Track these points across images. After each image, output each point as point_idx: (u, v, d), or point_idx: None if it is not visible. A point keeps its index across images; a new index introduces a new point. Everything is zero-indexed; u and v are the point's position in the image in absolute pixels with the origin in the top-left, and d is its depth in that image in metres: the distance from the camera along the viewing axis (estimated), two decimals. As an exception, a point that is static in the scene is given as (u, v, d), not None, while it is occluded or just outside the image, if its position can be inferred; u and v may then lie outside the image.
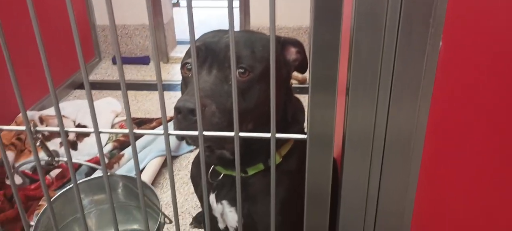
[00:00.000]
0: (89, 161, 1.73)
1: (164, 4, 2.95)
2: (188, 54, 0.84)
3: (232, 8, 0.44)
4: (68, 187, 1.22)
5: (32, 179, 1.64)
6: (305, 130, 0.52)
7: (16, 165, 1.69)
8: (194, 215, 1.56)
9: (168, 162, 0.55)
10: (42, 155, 0.66)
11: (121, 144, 1.88)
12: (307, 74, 0.87)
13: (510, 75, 0.50)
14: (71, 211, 1.20)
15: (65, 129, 0.54)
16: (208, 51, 0.77)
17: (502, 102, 0.52)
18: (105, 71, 2.90)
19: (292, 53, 0.84)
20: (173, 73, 2.88)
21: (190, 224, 1.53)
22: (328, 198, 0.55)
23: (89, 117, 2.20)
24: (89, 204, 1.24)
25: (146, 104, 2.42)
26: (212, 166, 0.90)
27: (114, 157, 1.79)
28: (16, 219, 1.44)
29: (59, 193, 1.17)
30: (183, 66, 0.83)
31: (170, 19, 3.11)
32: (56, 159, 0.65)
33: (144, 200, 0.60)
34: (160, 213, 1.03)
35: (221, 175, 0.90)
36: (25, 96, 0.52)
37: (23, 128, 0.56)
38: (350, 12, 0.45)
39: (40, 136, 0.57)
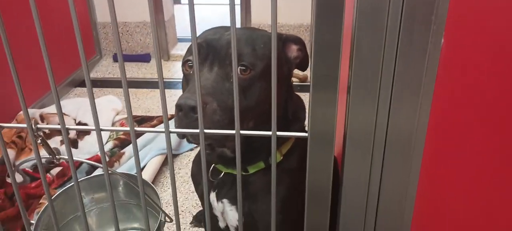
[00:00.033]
0: (89, 159, 1.73)
1: (165, 1, 2.95)
2: (189, 51, 0.83)
3: (234, 5, 0.44)
4: (69, 185, 1.22)
5: (32, 177, 1.64)
6: (306, 128, 0.52)
7: (17, 163, 1.69)
8: (194, 213, 1.56)
9: (169, 160, 0.55)
10: (43, 153, 0.66)
11: (122, 142, 1.88)
12: (307, 72, 0.87)
13: (511, 75, 0.50)
14: (72, 209, 1.20)
15: (66, 126, 0.54)
16: (210, 49, 0.77)
17: (503, 102, 0.51)
18: (106, 68, 2.90)
19: (293, 50, 0.84)
20: (174, 71, 2.88)
21: (191, 223, 1.53)
22: (329, 197, 0.55)
23: (90, 115, 2.21)
24: (89, 202, 1.25)
25: (146, 102, 2.42)
26: (213, 165, 0.90)
27: (115, 155, 1.79)
28: (17, 217, 1.44)
29: (59, 191, 1.17)
30: (184, 63, 0.83)
31: (171, 16, 3.11)
32: (57, 156, 0.65)
33: (144, 199, 0.60)
34: (161, 212, 1.03)
35: (222, 174, 0.90)
36: (25, 94, 0.52)
37: (24, 125, 0.56)
38: (352, 10, 0.45)
39: (41, 133, 0.57)
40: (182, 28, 3.30)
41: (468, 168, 0.59)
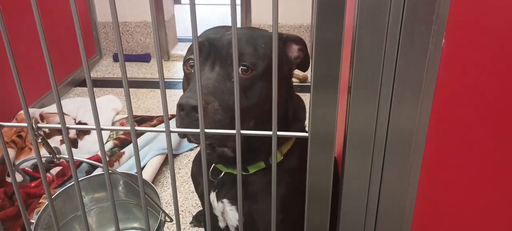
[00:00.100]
0: (89, 158, 1.73)
1: (165, 1, 2.95)
2: (190, 50, 0.83)
3: (235, 5, 0.44)
4: (69, 184, 1.22)
5: (32, 176, 1.64)
6: (306, 128, 0.52)
7: (17, 162, 1.69)
8: (194, 213, 1.56)
9: (169, 160, 0.55)
10: (43, 152, 0.66)
11: (122, 142, 1.88)
12: (308, 73, 0.87)
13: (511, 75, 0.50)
14: (72, 209, 1.20)
15: (67, 125, 0.54)
16: (211, 48, 0.77)
17: (504, 102, 0.51)
18: (106, 68, 2.89)
19: (294, 50, 0.84)
20: (174, 71, 2.88)
21: (190, 223, 1.53)
22: (329, 197, 0.55)
23: (90, 115, 2.20)
24: (89, 202, 1.25)
25: (146, 102, 2.42)
26: (213, 164, 0.90)
27: (115, 155, 1.79)
28: (17, 216, 1.44)
29: (59, 191, 1.17)
30: (185, 62, 0.83)
31: (171, 16, 3.11)
32: (57, 156, 0.65)
33: (145, 198, 0.60)
34: (161, 212, 1.03)
35: (222, 174, 0.90)
36: (25, 94, 0.52)
37: (24, 124, 0.56)
38: (353, 10, 0.45)
39: (42, 133, 0.57)
40: (182, 28, 3.30)
41: (468, 168, 0.59)
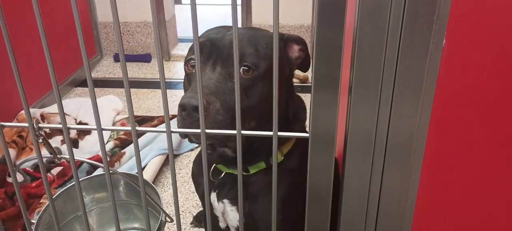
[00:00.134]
0: (90, 159, 1.73)
1: (166, 1, 2.95)
2: (192, 50, 0.83)
3: (236, 5, 0.44)
4: (70, 184, 1.22)
5: (33, 176, 1.64)
6: (307, 128, 0.52)
7: (18, 162, 1.70)
8: (194, 214, 1.56)
9: (170, 160, 0.55)
10: (44, 152, 0.66)
11: (122, 142, 1.88)
12: (308, 73, 0.86)
13: (513, 75, 0.50)
14: (72, 209, 1.20)
15: (68, 126, 0.54)
16: (213, 48, 0.77)
17: (505, 103, 0.51)
18: (107, 68, 2.90)
19: (294, 50, 0.84)
20: (175, 71, 2.88)
21: (191, 223, 1.53)
22: (330, 198, 0.55)
23: (90, 115, 2.20)
24: (90, 202, 1.25)
25: (147, 102, 2.42)
26: (214, 165, 0.90)
27: (115, 155, 1.79)
28: (18, 216, 1.44)
29: (60, 191, 1.17)
30: (186, 62, 0.82)
31: (172, 16, 3.11)
32: (58, 156, 0.65)
33: (145, 199, 0.60)
34: (161, 212, 1.03)
35: (223, 174, 0.90)
36: (26, 94, 0.52)
37: (25, 124, 0.56)
38: (353, 10, 0.45)
39: (43, 133, 0.57)
40: (183, 28, 3.30)
41: (468, 168, 0.59)
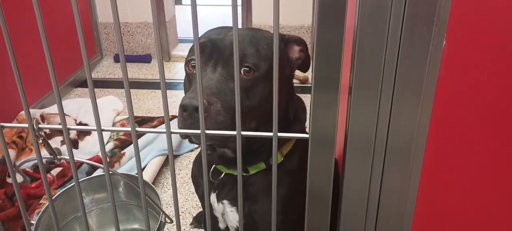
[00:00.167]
0: (90, 159, 1.73)
1: (166, 2, 2.95)
2: (192, 51, 0.83)
3: (236, 6, 0.44)
4: (70, 185, 1.22)
5: (33, 177, 1.64)
6: (307, 129, 0.52)
7: (18, 163, 1.69)
8: (194, 215, 1.56)
9: (170, 161, 0.55)
10: (44, 153, 0.66)
11: (122, 143, 1.88)
12: (308, 74, 0.87)
13: (513, 76, 0.50)
14: (72, 210, 1.20)
15: (67, 126, 0.54)
16: (214, 48, 0.77)
17: (505, 103, 0.51)
18: (107, 69, 2.90)
19: (295, 51, 0.84)
20: (175, 71, 2.88)
21: (191, 224, 1.53)
22: (330, 198, 0.55)
23: (90, 115, 2.20)
24: (90, 202, 1.25)
25: (147, 103, 2.42)
26: (213, 165, 0.90)
27: (115, 156, 1.79)
28: (17, 217, 1.44)
29: (60, 192, 1.17)
30: (187, 63, 0.82)
31: (172, 17, 3.11)
32: (58, 157, 0.65)
33: (145, 199, 0.60)
34: (161, 213, 1.03)
35: (222, 174, 0.90)
36: (26, 94, 0.52)
37: (25, 125, 0.56)
38: (354, 11, 0.45)
39: (43, 133, 0.57)
40: (183, 29, 3.30)
41: (468, 169, 0.59)
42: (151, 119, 2.15)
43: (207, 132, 0.52)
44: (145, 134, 1.87)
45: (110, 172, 0.61)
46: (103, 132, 0.54)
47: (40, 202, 1.49)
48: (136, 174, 0.57)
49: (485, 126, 0.55)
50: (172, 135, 0.53)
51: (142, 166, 1.72)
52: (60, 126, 0.55)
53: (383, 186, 0.55)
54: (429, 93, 0.48)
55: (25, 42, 1.99)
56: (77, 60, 2.56)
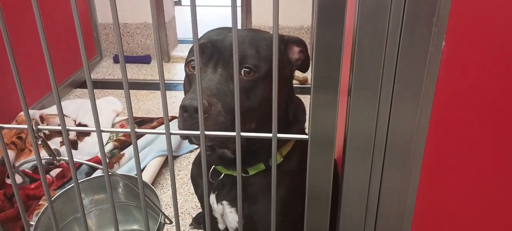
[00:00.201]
0: (89, 160, 1.73)
1: (166, 3, 2.95)
2: (192, 51, 0.83)
3: (236, 7, 0.44)
4: (69, 186, 1.22)
5: (32, 178, 1.64)
6: (306, 130, 0.52)
7: (17, 164, 1.69)
8: (194, 215, 1.56)
9: (169, 162, 0.55)
10: (43, 154, 0.66)
11: (122, 144, 1.88)
12: (307, 74, 0.87)
13: (512, 76, 0.50)
14: (72, 211, 1.20)
15: (67, 127, 0.54)
16: (214, 49, 0.77)
17: (505, 103, 0.51)
18: (106, 70, 2.90)
19: (295, 52, 0.84)
20: (174, 72, 2.88)
21: (190, 225, 1.52)
22: (329, 199, 0.55)
23: (90, 116, 2.20)
24: (89, 203, 1.24)
25: (146, 103, 2.42)
26: (213, 166, 0.90)
27: (115, 157, 1.78)
28: (16, 218, 1.44)
29: (59, 193, 1.17)
30: (187, 63, 0.82)
31: (172, 17, 3.11)
32: (57, 157, 0.65)
33: (144, 200, 0.60)
34: (160, 214, 1.03)
35: (222, 175, 0.89)
36: (25, 95, 0.52)
37: (24, 126, 0.56)
38: (353, 12, 0.45)
39: (42, 134, 0.57)
40: (182, 29, 3.30)
41: (468, 169, 0.59)
42: (150, 120, 2.15)
43: (207, 133, 0.52)
44: (144, 134, 1.87)
45: (110, 173, 0.61)
46: (102, 133, 0.54)
47: (40, 203, 1.49)
48: (136, 175, 0.57)
49: (484, 126, 0.55)
50: (171, 135, 0.53)
51: (142, 166, 1.72)
52: (60, 127, 0.55)
53: (382, 186, 0.55)
54: (428, 93, 0.48)
55: (24, 43, 1.99)
56: (76, 61, 2.56)
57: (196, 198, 1.23)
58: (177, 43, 3.23)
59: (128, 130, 0.53)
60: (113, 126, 2.12)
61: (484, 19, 0.49)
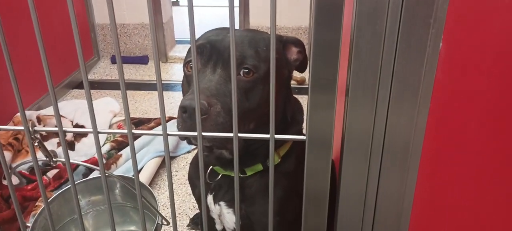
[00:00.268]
0: (86, 161, 1.72)
1: (164, 3, 2.95)
2: (191, 52, 0.83)
3: (233, 7, 0.44)
4: (66, 187, 1.22)
5: (29, 179, 1.63)
6: (304, 131, 0.52)
7: (14, 165, 1.69)
8: (191, 216, 1.56)
9: (166, 163, 0.54)
10: (40, 155, 0.65)
11: (119, 144, 1.87)
12: (305, 75, 0.86)
13: (511, 77, 0.50)
14: (68, 212, 1.20)
15: (64, 129, 0.54)
16: (213, 50, 0.77)
17: (504, 103, 0.51)
18: (104, 70, 2.89)
19: (293, 52, 0.84)
20: (172, 73, 2.87)
21: (187, 226, 1.52)
22: (327, 200, 0.55)
23: (87, 117, 2.20)
24: (86, 205, 1.24)
25: (144, 104, 2.41)
26: (211, 167, 0.90)
27: (112, 158, 1.78)
28: (13, 219, 1.43)
29: (56, 194, 1.17)
30: (186, 64, 0.82)
31: (169, 18, 3.11)
32: (54, 159, 0.65)
33: (141, 201, 0.59)
34: (158, 215, 1.03)
35: (219, 176, 0.89)
36: (22, 96, 0.52)
37: (21, 127, 0.56)
38: (351, 12, 0.45)
39: (38, 135, 0.57)
40: (180, 30, 3.30)
41: (466, 171, 0.59)
42: (148, 120, 2.14)
43: (204, 134, 0.52)
44: (142, 135, 1.87)
45: (106, 174, 0.61)
46: (99, 134, 0.54)
47: (36, 204, 1.48)
48: (133, 175, 0.57)
49: (482, 126, 0.55)
50: (169, 136, 0.53)
51: (139, 167, 1.71)
52: (56, 129, 0.54)
53: (380, 187, 0.55)
54: (426, 94, 0.48)
55: (22, 43, 1.98)
56: (74, 62, 2.55)
57: (194, 198, 1.22)
58: (175, 43, 3.23)
59: (125, 130, 0.53)
60: (110, 126, 2.11)
61: (483, 20, 0.50)
